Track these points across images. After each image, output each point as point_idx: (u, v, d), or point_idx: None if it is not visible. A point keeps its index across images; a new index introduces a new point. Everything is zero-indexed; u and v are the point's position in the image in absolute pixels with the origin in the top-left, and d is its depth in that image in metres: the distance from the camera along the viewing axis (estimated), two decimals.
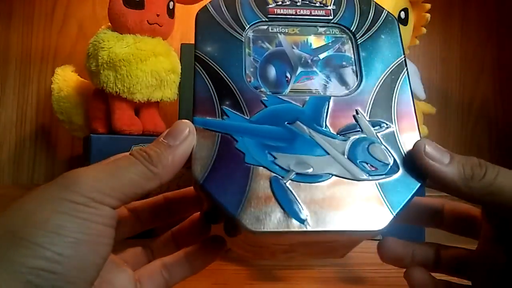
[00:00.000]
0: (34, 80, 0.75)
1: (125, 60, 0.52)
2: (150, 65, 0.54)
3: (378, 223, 0.23)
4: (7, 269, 0.18)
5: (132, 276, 0.25)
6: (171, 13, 0.57)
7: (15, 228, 0.19)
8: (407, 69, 0.28)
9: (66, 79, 0.63)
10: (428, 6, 0.59)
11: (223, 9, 0.30)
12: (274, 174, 0.24)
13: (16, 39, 0.75)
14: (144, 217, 0.28)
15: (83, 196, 0.20)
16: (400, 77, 0.27)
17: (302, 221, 0.22)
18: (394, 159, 0.25)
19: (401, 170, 0.24)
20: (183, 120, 0.24)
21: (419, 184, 0.24)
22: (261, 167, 0.24)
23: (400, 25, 0.58)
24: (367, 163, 0.24)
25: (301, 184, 0.23)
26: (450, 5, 0.83)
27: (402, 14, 0.58)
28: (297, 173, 0.24)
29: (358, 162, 0.24)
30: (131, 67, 0.53)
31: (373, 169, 0.24)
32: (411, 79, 0.67)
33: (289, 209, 0.23)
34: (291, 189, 0.23)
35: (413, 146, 0.24)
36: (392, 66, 0.28)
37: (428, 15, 0.59)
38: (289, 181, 0.24)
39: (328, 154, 0.25)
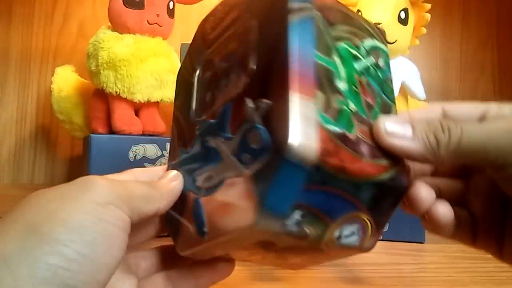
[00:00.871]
0: (34, 80, 0.75)
1: (125, 60, 0.52)
2: (150, 65, 0.54)
3: (246, 219, 0.20)
4: (26, 263, 0.18)
5: (137, 286, 0.25)
6: (171, 13, 0.57)
7: (38, 223, 0.19)
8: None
9: (66, 79, 0.63)
10: (428, 6, 0.59)
11: (186, 58, 0.30)
12: (196, 194, 0.24)
13: (16, 39, 0.74)
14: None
15: (103, 199, 0.21)
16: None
17: (203, 235, 0.23)
18: (266, 141, 0.19)
19: (271, 153, 0.19)
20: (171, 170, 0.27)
21: (302, 172, 0.19)
22: (190, 191, 0.25)
23: (400, 25, 0.58)
24: (247, 154, 0.20)
25: (208, 197, 0.23)
26: (450, 5, 0.82)
27: (402, 14, 0.58)
28: (206, 188, 0.23)
29: (241, 156, 0.21)
30: (131, 67, 0.53)
31: (250, 159, 0.20)
32: (411, 79, 0.66)
33: (198, 225, 0.23)
34: (202, 204, 0.23)
35: (373, 127, 0.22)
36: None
37: (428, 15, 0.59)
38: (203, 197, 0.24)
39: (223, 158, 0.22)
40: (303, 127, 0.19)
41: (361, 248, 0.23)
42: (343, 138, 0.21)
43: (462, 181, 0.26)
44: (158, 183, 0.25)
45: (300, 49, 0.21)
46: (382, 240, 0.52)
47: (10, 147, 0.74)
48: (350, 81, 0.23)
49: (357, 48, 0.25)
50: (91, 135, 0.53)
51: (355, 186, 0.21)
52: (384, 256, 0.47)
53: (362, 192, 0.21)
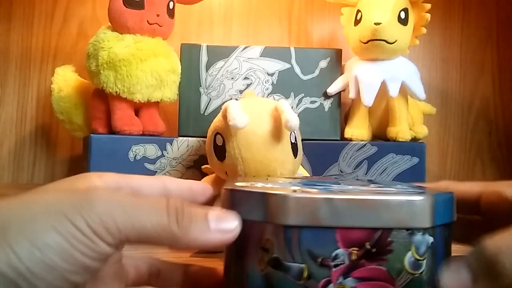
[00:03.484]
0: (34, 80, 0.75)
1: (125, 60, 0.52)
2: (150, 65, 0.54)
3: None
4: None
5: None
6: (171, 13, 0.57)
7: (8, 226, 0.18)
8: None
9: (66, 79, 0.63)
10: (428, 6, 0.59)
11: None
12: None
13: (16, 39, 0.74)
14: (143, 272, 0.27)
15: (87, 226, 0.19)
16: None
17: None
18: None
19: None
20: (237, 214, 0.22)
21: None
22: None
23: (400, 25, 0.58)
24: None
25: None
26: (450, 5, 0.82)
27: (402, 14, 0.58)
28: None
29: None
30: (131, 67, 0.53)
31: None
32: (411, 79, 0.66)
33: None
34: None
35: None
36: None
37: (428, 15, 0.59)
38: None
39: None
40: None
41: None
42: None
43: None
44: (194, 224, 0.20)
45: None
46: None
47: (10, 147, 0.74)
48: None
49: None
50: (91, 135, 0.53)
51: None
52: None
53: None
